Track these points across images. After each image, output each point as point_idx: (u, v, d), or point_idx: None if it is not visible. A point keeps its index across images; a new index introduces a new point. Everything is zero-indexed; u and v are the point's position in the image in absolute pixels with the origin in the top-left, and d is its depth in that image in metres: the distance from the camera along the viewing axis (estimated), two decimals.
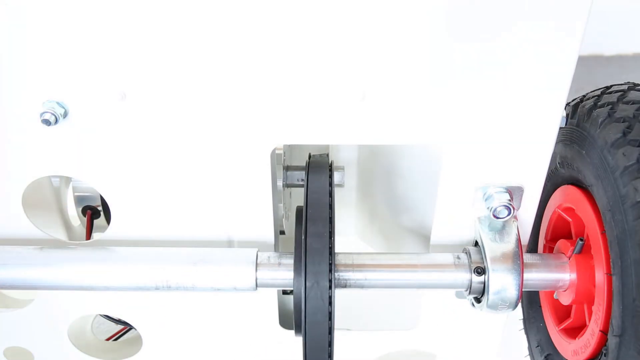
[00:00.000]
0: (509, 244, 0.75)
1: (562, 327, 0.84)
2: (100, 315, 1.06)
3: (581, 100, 0.82)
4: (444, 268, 0.76)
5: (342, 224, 1.29)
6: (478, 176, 0.76)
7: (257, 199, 0.77)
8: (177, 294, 0.76)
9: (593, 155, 0.75)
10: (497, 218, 0.75)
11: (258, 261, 0.75)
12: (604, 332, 0.73)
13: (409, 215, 1.05)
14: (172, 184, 0.76)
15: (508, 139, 0.72)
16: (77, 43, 0.65)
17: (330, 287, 0.68)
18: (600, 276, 0.74)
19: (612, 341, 0.71)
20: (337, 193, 0.82)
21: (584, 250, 0.77)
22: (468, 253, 0.77)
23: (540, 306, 0.91)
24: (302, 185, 0.92)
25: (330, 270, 0.69)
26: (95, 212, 1.04)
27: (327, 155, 0.84)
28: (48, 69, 0.67)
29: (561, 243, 0.82)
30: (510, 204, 0.74)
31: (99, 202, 1.03)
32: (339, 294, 0.72)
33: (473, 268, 0.75)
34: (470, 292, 0.76)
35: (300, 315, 0.69)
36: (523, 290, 0.74)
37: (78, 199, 1.03)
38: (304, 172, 0.89)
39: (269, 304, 0.88)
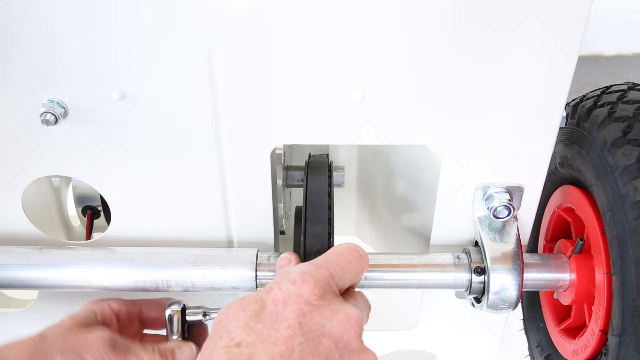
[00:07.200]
0: (509, 244, 0.75)
1: (562, 327, 0.84)
2: None
3: (581, 100, 0.82)
4: (444, 268, 0.76)
5: (342, 224, 1.29)
6: (478, 176, 0.76)
7: (257, 199, 0.77)
8: (176, 293, 0.76)
9: (593, 155, 0.75)
10: (497, 218, 0.75)
11: (258, 261, 0.75)
12: (604, 332, 0.73)
13: (409, 215, 1.05)
14: (172, 183, 0.76)
15: (508, 139, 0.72)
16: (77, 42, 0.65)
17: None
18: (600, 276, 0.74)
19: (612, 341, 0.71)
20: (337, 193, 0.82)
21: (584, 250, 0.77)
22: (468, 253, 0.77)
23: (540, 306, 0.91)
24: (302, 185, 0.92)
25: None
26: (95, 212, 1.04)
27: (327, 155, 0.84)
28: (48, 69, 0.67)
29: (561, 243, 0.82)
30: (510, 204, 0.74)
31: (99, 202, 1.03)
32: None
33: (473, 268, 0.75)
34: (470, 292, 0.76)
35: None
36: (523, 290, 0.74)
37: (78, 199, 1.03)
38: (303, 172, 0.89)
39: None
